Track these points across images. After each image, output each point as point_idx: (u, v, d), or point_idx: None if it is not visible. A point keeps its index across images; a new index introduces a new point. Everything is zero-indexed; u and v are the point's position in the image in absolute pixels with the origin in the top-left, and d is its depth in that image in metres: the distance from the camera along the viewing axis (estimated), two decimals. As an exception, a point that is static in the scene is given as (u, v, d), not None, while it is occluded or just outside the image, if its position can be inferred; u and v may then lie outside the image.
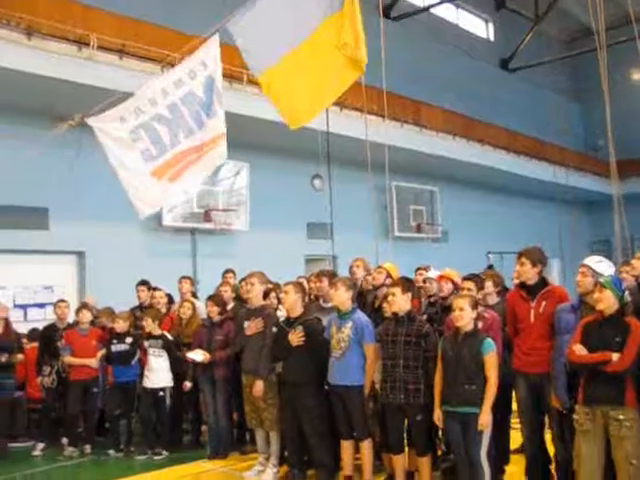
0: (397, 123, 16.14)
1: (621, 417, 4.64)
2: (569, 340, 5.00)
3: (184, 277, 9.40)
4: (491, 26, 26.52)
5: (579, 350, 4.82)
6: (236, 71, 12.41)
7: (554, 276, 21.24)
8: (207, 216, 13.53)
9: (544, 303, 5.53)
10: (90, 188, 11.95)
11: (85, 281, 12.08)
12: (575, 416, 4.91)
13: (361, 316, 6.13)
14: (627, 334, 4.70)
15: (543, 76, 26.01)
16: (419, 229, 18.95)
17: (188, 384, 7.87)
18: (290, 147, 14.60)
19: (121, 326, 8.20)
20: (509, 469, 6.30)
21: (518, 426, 6.03)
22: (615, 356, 4.65)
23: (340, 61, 5.97)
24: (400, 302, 5.72)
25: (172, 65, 11.34)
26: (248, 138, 13.83)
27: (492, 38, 26.48)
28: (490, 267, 18.03)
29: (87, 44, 10.62)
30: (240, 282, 8.16)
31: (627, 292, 4.97)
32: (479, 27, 26.00)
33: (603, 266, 5.27)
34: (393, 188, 17.57)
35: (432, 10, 22.21)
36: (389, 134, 13.66)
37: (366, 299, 6.96)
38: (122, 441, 8.26)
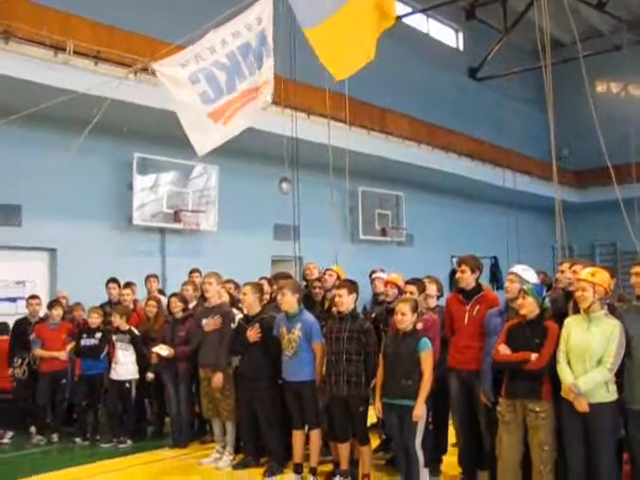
0: (363, 130, 16.60)
1: (537, 409, 5.23)
2: (496, 341, 5.57)
3: (150, 275, 9.86)
4: (461, 36, 27.11)
5: (503, 350, 5.40)
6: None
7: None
8: (176, 216, 13.90)
9: (477, 307, 6.10)
10: (63, 186, 12.29)
11: (56, 277, 12.39)
12: (498, 408, 5.49)
13: (308, 316, 6.65)
14: (545, 336, 5.28)
15: (511, 86, 26.68)
16: (384, 233, 19.33)
17: (150, 375, 8.29)
18: (258, 151, 15.05)
19: (94, 321, 8.63)
20: (446, 459, 6.84)
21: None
22: (534, 356, 5.24)
23: (375, 18, 6.48)
24: (346, 302, 6.26)
25: (145, 70, 11.86)
26: (218, 142, 14.29)
27: (461, 47, 27.09)
28: (454, 271, 18.63)
29: (63, 49, 10.98)
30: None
31: (547, 299, 5.53)
32: (449, 37, 26.60)
33: (528, 274, 5.86)
34: (360, 193, 18.08)
35: (403, 20, 22.73)
36: (355, 141, 14.22)
37: (314, 300, 7.45)
38: (88, 430, 8.68)
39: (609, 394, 5.02)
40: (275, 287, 7.77)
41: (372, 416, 6.68)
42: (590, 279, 5.11)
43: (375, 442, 7.18)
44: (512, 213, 23.70)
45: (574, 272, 5.70)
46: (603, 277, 5.17)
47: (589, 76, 29.19)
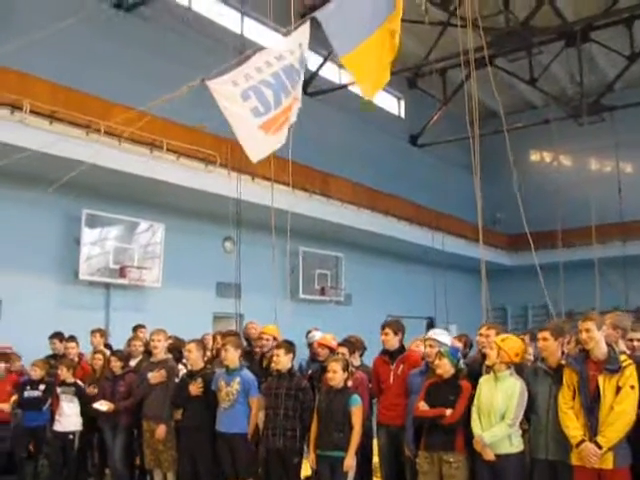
0: (306, 193, 17.33)
1: (451, 460, 5.81)
2: (416, 398, 6.16)
3: (95, 330, 10.13)
4: (402, 103, 28.37)
5: (422, 406, 6.00)
6: (157, 140, 13.47)
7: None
8: (122, 272, 14.24)
9: (401, 367, 6.74)
10: (10, 237, 12.59)
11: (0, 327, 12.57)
12: (417, 460, 6.04)
13: (247, 373, 7.15)
14: (459, 394, 5.89)
15: (449, 152, 27.93)
16: (323, 292, 19.94)
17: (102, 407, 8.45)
18: (204, 211, 15.61)
19: (37, 373, 8.89)
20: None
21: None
22: (448, 411, 5.84)
23: (391, 45, 7.34)
24: (283, 361, 6.79)
25: (98, 131, 12.38)
26: (165, 200, 14.81)
27: (403, 115, 28.32)
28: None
29: (20, 108, 11.45)
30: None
31: (462, 360, 6.17)
32: (391, 104, 27.81)
33: (444, 337, 6.52)
34: (300, 253, 18.70)
35: (348, 87, 23.73)
36: (298, 203, 14.84)
37: (254, 358, 7.97)
38: (28, 482, 8.87)
39: (512, 447, 5.64)
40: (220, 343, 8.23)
41: (307, 469, 7.15)
42: (498, 343, 5.77)
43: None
44: (447, 275, 24.58)
45: (487, 336, 6.36)
46: (511, 345, 5.82)
47: (525, 146, 31.08)
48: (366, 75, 7.36)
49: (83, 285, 13.92)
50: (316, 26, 7.29)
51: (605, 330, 5.53)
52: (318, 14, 6.93)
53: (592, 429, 5.26)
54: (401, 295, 23.21)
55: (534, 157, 31.94)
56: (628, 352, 5.86)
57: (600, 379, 5.31)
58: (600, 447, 5.16)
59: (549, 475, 5.62)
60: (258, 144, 7.00)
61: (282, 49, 7.09)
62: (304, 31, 7.15)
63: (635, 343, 6.41)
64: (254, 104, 6.81)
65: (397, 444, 6.72)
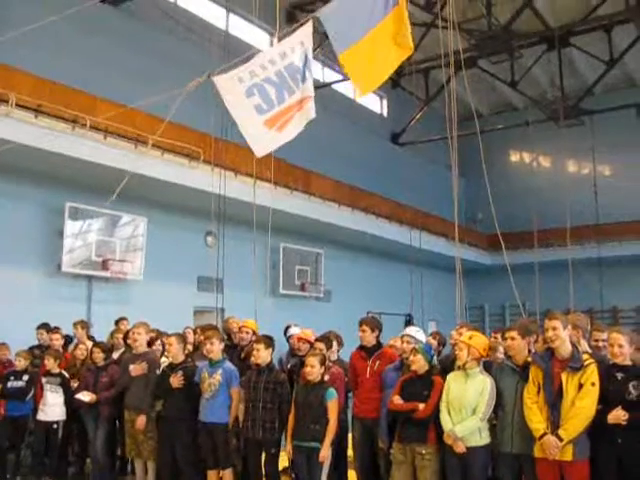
0: (287, 190, 17.57)
1: (423, 451, 6.08)
2: (391, 393, 6.42)
3: (77, 322, 10.28)
4: (385, 102, 28.65)
5: (397, 400, 6.26)
6: (142, 135, 13.63)
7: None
8: (104, 264, 14.40)
9: (377, 362, 7.01)
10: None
11: (-17, 320, 12.67)
12: (392, 451, 6.31)
13: (229, 365, 7.38)
14: (432, 389, 6.17)
15: (432, 151, 28.25)
16: (303, 288, 20.21)
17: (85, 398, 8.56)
18: (187, 205, 15.78)
19: (21, 364, 9.05)
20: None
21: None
22: (421, 406, 6.11)
23: (393, 46, 7.44)
24: (263, 355, 7.03)
25: (83, 125, 12.53)
26: (149, 194, 14.96)
27: (385, 114, 28.59)
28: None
29: (6, 101, 11.56)
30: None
31: (435, 357, 6.44)
32: (374, 103, 28.07)
33: (420, 335, 6.80)
34: (281, 249, 18.92)
35: (332, 86, 23.99)
36: (279, 200, 15.04)
37: (234, 351, 8.21)
38: (9, 471, 8.93)
39: (481, 439, 5.93)
40: (202, 337, 8.44)
41: (285, 460, 7.38)
42: (467, 341, 6.05)
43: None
44: (428, 273, 24.87)
45: (459, 334, 6.63)
46: (479, 342, 6.11)
47: (505, 147, 31.45)
48: (359, 73, 7.58)
49: (66, 277, 14.06)
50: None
51: (570, 329, 5.81)
52: (320, 13, 7.16)
53: (554, 423, 5.55)
54: (381, 292, 23.50)
55: (514, 158, 32.38)
56: (590, 351, 6.16)
57: (563, 376, 5.60)
58: (561, 439, 5.45)
59: (513, 467, 5.91)
60: (262, 139, 7.23)
61: (285, 47, 7.32)
62: (306, 29, 7.39)
63: (600, 343, 6.73)
64: (257, 101, 7.04)
65: (371, 436, 6.98)
